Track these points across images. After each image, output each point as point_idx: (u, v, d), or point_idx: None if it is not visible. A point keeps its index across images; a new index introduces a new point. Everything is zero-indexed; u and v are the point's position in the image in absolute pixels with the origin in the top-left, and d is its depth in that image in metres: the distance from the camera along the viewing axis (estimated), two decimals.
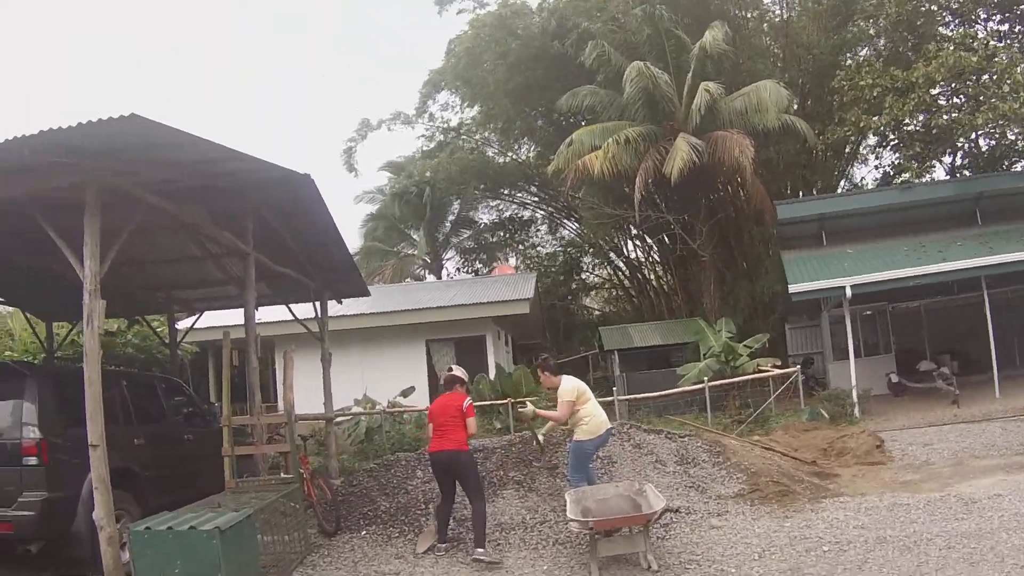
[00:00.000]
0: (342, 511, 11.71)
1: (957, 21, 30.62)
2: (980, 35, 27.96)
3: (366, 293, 18.40)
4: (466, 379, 10.98)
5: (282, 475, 11.61)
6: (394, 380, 24.42)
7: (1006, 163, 32.65)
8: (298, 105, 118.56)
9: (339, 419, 20.88)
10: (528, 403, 11.02)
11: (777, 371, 22.06)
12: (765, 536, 9.62)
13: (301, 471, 11.63)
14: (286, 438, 12.10)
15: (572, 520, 8.97)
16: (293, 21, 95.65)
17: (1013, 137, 31.86)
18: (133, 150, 8.67)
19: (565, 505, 10.16)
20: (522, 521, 10.95)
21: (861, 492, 11.60)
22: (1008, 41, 27.32)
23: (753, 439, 15.74)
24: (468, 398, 10.49)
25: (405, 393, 23.64)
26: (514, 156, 42.14)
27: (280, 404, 18.80)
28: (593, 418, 10.67)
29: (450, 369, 11.04)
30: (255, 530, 8.89)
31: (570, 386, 10.81)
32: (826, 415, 19.54)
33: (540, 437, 12.11)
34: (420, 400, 24.22)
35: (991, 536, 8.70)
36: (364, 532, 11.24)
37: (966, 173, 32.46)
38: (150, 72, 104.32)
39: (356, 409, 22.70)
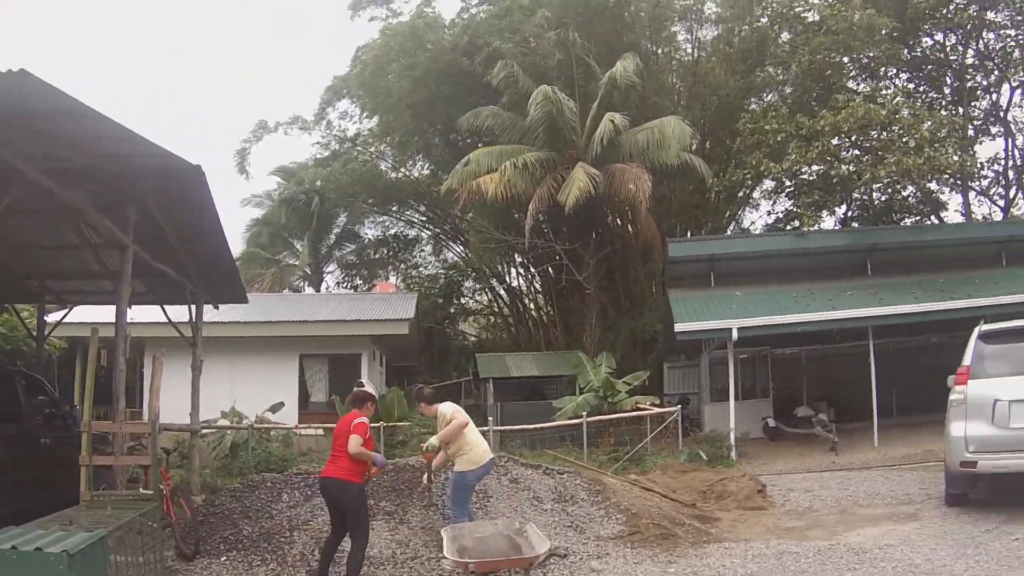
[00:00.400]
0: (202, 533, 10.61)
1: (866, 75, 31.15)
2: (886, 91, 28.42)
3: (244, 300, 17.18)
4: (376, 397, 10.06)
5: (141, 490, 10.63)
6: (264, 394, 23.18)
7: (896, 216, 33.26)
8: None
9: (204, 432, 19.71)
10: (431, 439, 10.01)
11: (656, 409, 21.63)
12: None
13: (161, 487, 10.50)
14: (148, 449, 10.97)
15: (448, 559, 8.10)
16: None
17: (907, 193, 32.52)
18: (16, 115, 7.61)
19: (439, 541, 9.32)
20: (392, 556, 10.07)
21: (745, 538, 11.03)
22: (913, 99, 27.65)
23: (631, 478, 15.10)
24: (363, 417, 9.37)
25: (274, 409, 22.50)
26: (407, 173, 41.28)
27: (145, 411, 17.47)
28: (475, 447, 9.94)
29: (360, 384, 9.99)
30: (107, 552, 7.80)
31: (451, 407, 10.15)
32: (704, 456, 19.12)
33: (431, 476, 10.99)
34: (289, 417, 23.19)
35: None
36: (224, 558, 10.19)
37: (855, 225, 32.92)
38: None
39: (223, 422, 21.49)
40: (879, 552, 9.53)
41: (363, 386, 9.70)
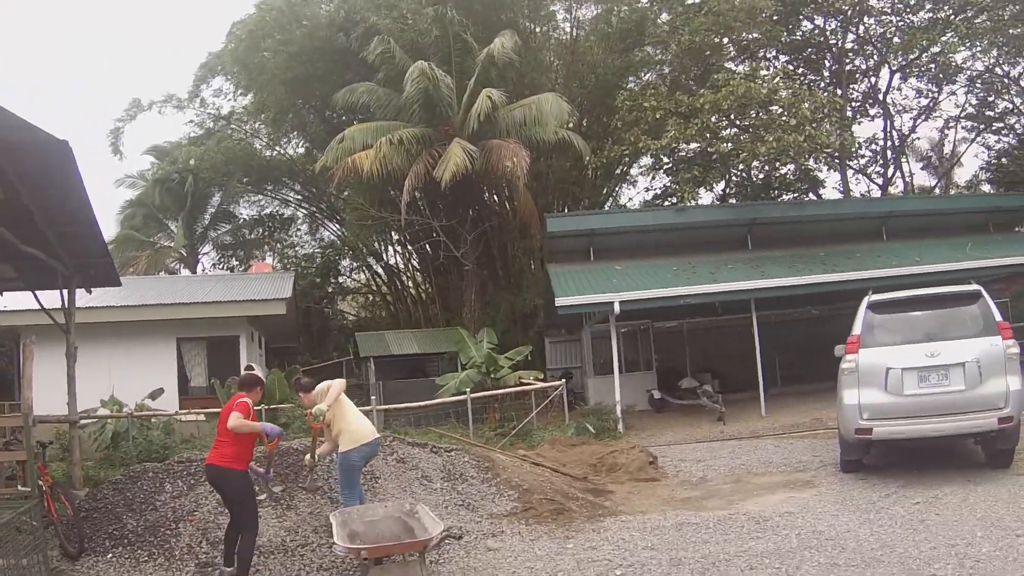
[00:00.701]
0: (86, 530, 9.84)
1: (745, 57, 31.49)
2: (765, 72, 28.77)
3: (117, 283, 16.07)
4: (264, 382, 9.39)
5: (20, 487, 9.82)
6: (143, 380, 22.02)
7: (774, 193, 33.79)
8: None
9: (84, 422, 18.70)
10: (318, 406, 9.31)
11: (540, 384, 21.37)
12: (548, 559, 8.55)
13: (41, 483, 9.66)
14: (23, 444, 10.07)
15: (340, 546, 7.62)
16: None
17: (785, 171, 33.04)
18: None
19: (328, 526, 8.88)
20: (282, 544, 9.46)
21: (640, 510, 10.76)
22: (792, 80, 27.90)
23: (520, 454, 14.75)
24: (247, 397, 8.70)
25: (153, 395, 21.49)
26: (282, 151, 40.24)
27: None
28: (357, 425, 9.42)
29: (250, 368, 9.32)
30: None
31: (326, 382, 9.61)
32: (592, 430, 18.84)
33: (315, 455, 10.20)
34: (169, 403, 22.20)
35: (793, 555, 7.98)
36: (110, 555, 9.46)
37: (732, 201, 33.29)
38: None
39: (102, 411, 20.45)
40: (780, 520, 9.38)
41: (252, 369, 9.09)
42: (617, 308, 20.31)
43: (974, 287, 11.56)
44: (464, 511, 10.46)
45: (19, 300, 16.90)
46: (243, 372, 9.09)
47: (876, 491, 10.50)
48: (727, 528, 9.19)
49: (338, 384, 9.36)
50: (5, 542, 7.86)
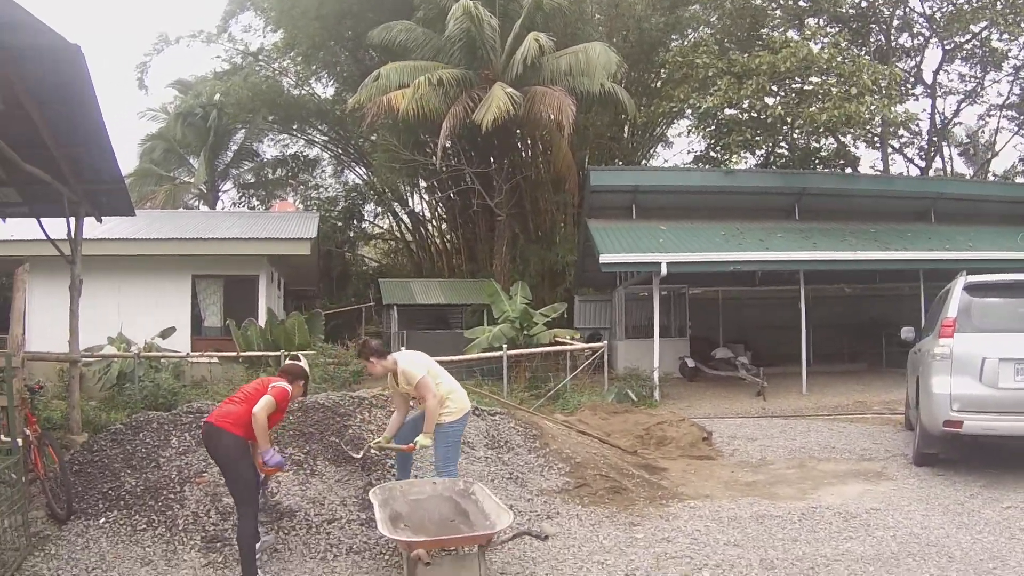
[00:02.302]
0: (77, 487, 8.71)
1: (793, 23, 30.78)
2: (823, 38, 28.01)
3: (131, 212, 14.93)
4: (310, 379, 8.09)
5: (2, 437, 8.56)
6: (154, 317, 21.42)
7: (815, 164, 33.09)
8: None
9: (87, 360, 17.88)
10: (421, 439, 7.99)
11: (580, 344, 20.59)
12: (619, 552, 7.67)
13: (28, 433, 8.65)
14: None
15: (387, 536, 6.56)
16: None
17: (822, 144, 32.38)
18: None
19: (359, 499, 8.18)
20: (304, 518, 8.30)
21: (704, 494, 9.93)
22: (838, 50, 26.99)
23: (561, 419, 13.91)
24: (289, 386, 7.43)
25: (164, 334, 20.76)
26: (310, 91, 39.42)
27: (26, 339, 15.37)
28: (456, 393, 8.39)
29: (295, 358, 8.05)
30: None
31: (414, 362, 8.33)
32: (634, 397, 18.03)
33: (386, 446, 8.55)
34: (181, 343, 21.40)
35: (896, 563, 7.17)
36: (103, 519, 8.29)
37: (773, 168, 32.57)
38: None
39: (109, 349, 19.68)
40: (868, 517, 8.55)
41: (299, 359, 7.92)
42: (664, 270, 19.56)
43: None
44: (512, 485, 9.51)
45: (26, 229, 15.88)
46: (287, 362, 7.84)
47: (959, 490, 9.67)
48: (814, 524, 8.35)
49: (428, 384, 8.05)
50: None
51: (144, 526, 8.18)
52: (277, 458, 7.39)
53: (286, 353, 18.10)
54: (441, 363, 17.93)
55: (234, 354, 19.41)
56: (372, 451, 8.85)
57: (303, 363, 7.74)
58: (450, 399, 8.18)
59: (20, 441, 8.22)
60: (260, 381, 7.65)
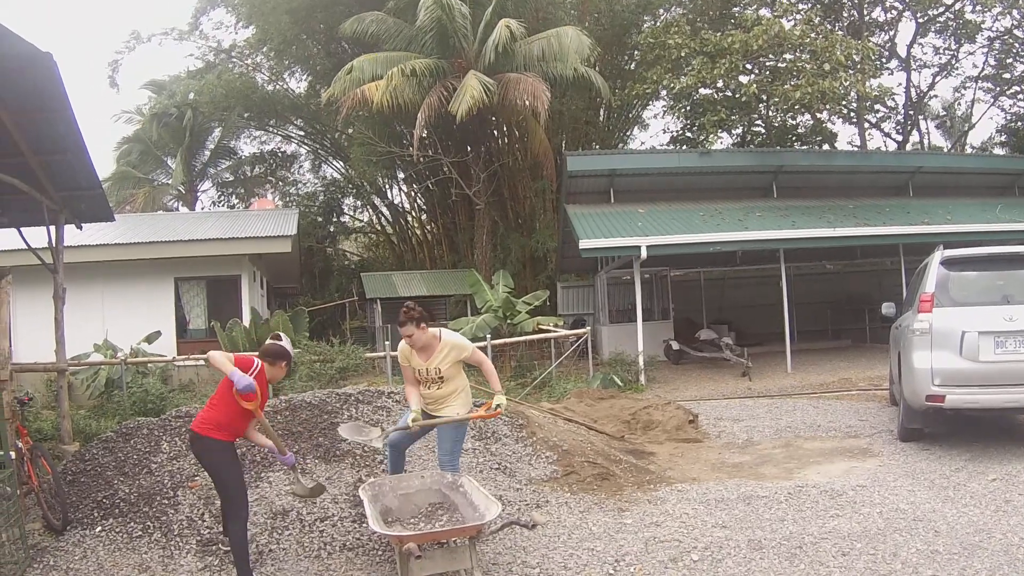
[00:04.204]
0: (72, 497, 8.72)
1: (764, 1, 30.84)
2: (795, 15, 28.09)
3: (110, 217, 14.78)
4: (292, 358, 7.77)
5: None
6: (139, 322, 21.48)
7: (791, 142, 33.19)
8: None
9: (75, 369, 17.81)
10: (499, 398, 7.76)
11: (564, 331, 20.61)
12: (608, 538, 7.71)
13: (20, 445, 8.56)
14: None
15: (378, 532, 6.54)
16: None
17: (799, 121, 32.44)
18: None
19: (351, 496, 8.16)
20: (297, 517, 8.32)
21: (692, 477, 9.98)
22: (811, 27, 27.05)
23: (547, 407, 13.94)
24: (262, 364, 7.21)
25: (150, 339, 20.77)
26: (284, 86, 39.20)
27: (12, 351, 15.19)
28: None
29: (276, 336, 7.82)
30: None
31: (460, 336, 8.17)
32: (619, 382, 18.08)
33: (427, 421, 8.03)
34: (167, 347, 21.43)
35: (883, 538, 7.23)
36: (99, 528, 8.31)
37: (751, 147, 32.68)
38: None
39: (96, 356, 19.63)
40: (855, 495, 8.60)
41: (280, 339, 7.72)
42: (644, 253, 19.52)
43: None
44: (501, 475, 9.52)
45: (6, 240, 15.59)
46: (268, 341, 7.63)
47: (944, 464, 9.75)
48: (800, 503, 8.40)
49: (479, 352, 7.92)
50: None
51: (140, 533, 8.18)
52: (248, 382, 6.88)
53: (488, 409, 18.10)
54: None
55: None
56: (414, 428, 7.83)
57: (284, 342, 7.52)
58: (464, 394, 8.05)
59: (12, 454, 8.13)
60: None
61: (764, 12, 29.60)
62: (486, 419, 8.21)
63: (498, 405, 7.73)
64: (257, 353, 7.42)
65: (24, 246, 12.78)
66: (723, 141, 35.07)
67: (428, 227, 38.52)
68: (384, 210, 40.88)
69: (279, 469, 9.11)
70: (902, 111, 37.33)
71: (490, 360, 7.86)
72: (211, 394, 7.56)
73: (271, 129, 41.67)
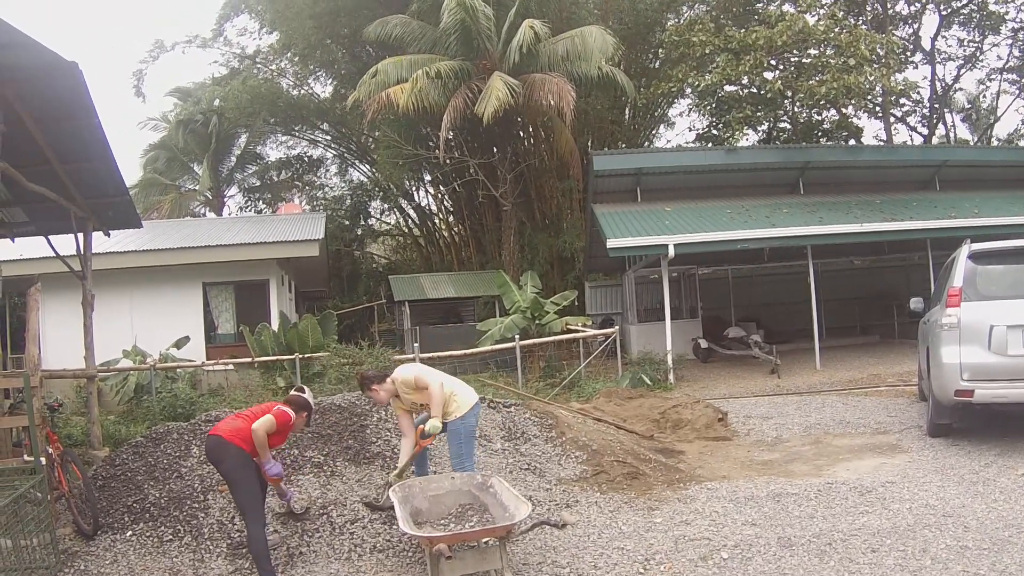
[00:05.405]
0: (102, 502, 8.77)
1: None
2: (819, 9, 27.95)
3: (138, 224, 14.93)
4: (313, 410, 8.34)
5: (25, 457, 8.56)
6: (168, 328, 21.75)
7: (817, 137, 33.06)
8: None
9: (104, 375, 18.01)
10: (431, 422, 7.90)
11: (593, 331, 20.65)
12: (638, 537, 7.77)
13: (50, 451, 8.66)
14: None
15: (408, 533, 6.59)
16: None
17: (828, 115, 32.28)
18: None
19: (382, 499, 8.18)
20: (327, 519, 8.39)
21: (721, 475, 10.02)
22: (835, 21, 26.97)
23: (575, 407, 13.97)
24: (291, 414, 7.70)
25: (179, 344, 20.99)
26: (309, 90, 39.47)
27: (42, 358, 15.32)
28: (459, 390, 8.37)
29: (300, 389, 8.14)
30: None
31: (406, 369, 8.53)
32: (648, 381, 18.10)
33: (404, 472, 8.46)
34: (196, 352, 21.62)
35: (913, 534, 7.25)
36: (130, 532, 8.39)
37: (777, 143, 32.56)
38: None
39: (125, 362, 19.83)
40: (884, 491, 8.62)
41: (303, 391, 8.01)
42: (672, 251, 19.53)
43: None
44: (531, 476, 9.60)
45: (36, 247, 15.77)
46: (293, 392, 7.96)
47: (973, 459, 9.72)
48: (830, 500, 8.43)
49: (436, 382, 8.10)
50: (12, 521, 7.02)
51: (170, 537, 8.28)
52: (276, 468, 7.62)
53: (301, 357, 18.26)
54: (454, 357, 18.16)
55: (249, 360, 19.53)
56: (393, 485, 8.13)
57: (307, 395, 7.94)
58: (455, 398, 8.20)
59: (43, 460, 8.25)
60: (268, 404, 7.90)
61: (788, 7, 29.49)
62: (423, 447, 8.33)
63: (427, 434, 8.05)
64: (285, 403, 7.83)
65: (52, 254, 12.98)
66: (749, 138, 35.03)
67: (455, 229, 38.61)
68: (411, 212, 41.11)
69: (309, 472, 9.23)
70: (927, 105, 37.23)
71: (438, 385, 7.99)
72: (246, 400, 7.77)
73: (297, 134, 41.84)
